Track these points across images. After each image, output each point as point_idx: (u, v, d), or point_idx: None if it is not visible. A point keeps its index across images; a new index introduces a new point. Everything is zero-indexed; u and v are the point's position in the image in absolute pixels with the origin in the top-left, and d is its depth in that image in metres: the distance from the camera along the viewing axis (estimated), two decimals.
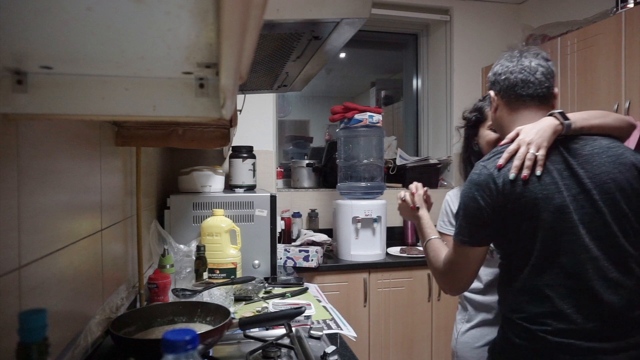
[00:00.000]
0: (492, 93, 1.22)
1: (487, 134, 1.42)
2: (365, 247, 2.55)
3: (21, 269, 0.70)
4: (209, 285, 1.51)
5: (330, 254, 2.66)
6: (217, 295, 1.48)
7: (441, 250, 1.28)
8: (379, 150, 2.69)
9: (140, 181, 1.48)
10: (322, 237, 2.52)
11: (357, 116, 2.55)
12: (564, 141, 1.10)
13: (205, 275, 1.69)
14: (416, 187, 1.48)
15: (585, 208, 1.04)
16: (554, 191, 1.04)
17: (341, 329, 1.39)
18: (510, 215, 1.06)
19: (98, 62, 0.49)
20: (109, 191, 1.21)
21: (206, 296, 1.45)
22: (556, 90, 1.17)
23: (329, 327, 1.40)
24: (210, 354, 1.11)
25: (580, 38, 2.41)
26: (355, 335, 1.40)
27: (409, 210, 1.47)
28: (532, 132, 1.08)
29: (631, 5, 2.17)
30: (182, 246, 1.79)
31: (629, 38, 2.13)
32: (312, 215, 2.93)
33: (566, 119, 1.09)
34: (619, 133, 1.15)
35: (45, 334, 0.56)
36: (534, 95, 1.14)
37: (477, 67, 3.21)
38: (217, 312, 1.14)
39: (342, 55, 3.68)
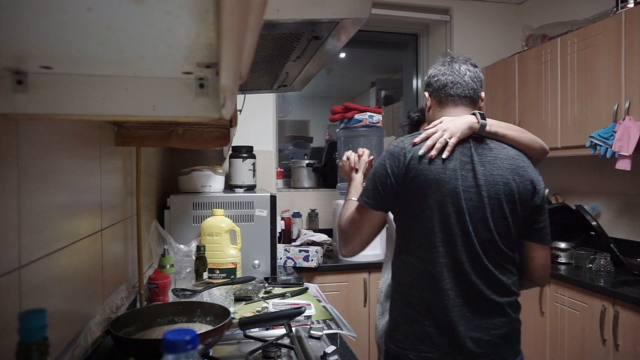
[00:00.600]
0: (426, 94, 1.35)
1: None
2: None
3: (21, 269, 0.70)
4: (209, 285, 1.51)
5: (330, 254, 2.66)
6: (217, 295, 1.48)
7: (353, 211, 1.33)
8: (379, 150, 2.69)
9: (140, 181, 1.48)
10: (322, 237, 2.52)
11: (357, 116, 2.55)
12: (477, 140, 1.21)
13: (205, 275, 1.69)
14: (363, 152, 1.53)
15: (472, 200, 1.15)
16: (451, 177, 1.15)
17: (341, 329, 1.39)
18: (407, 189, 1.17)
19: (98, 62, 0.49)
20: (109, 191, 1.21)
21: (206, 296, 1.45)
22: (483, 94, 1.31)
23: (329, 327, 1.40)
24: (210, 354, 1.11)
25: (580, 38, 2.41)
26: (355, 335, 1.40)
27: (348, 170, 1.52)
28: (451, 123, 1.20)
29: (631, 5, 2.17)
30: (182, 246, 1.79)
31: (629, 38, 2.13)
32: (312, 215, 2.93)
33: (484, 120, 1.20)
34: (530, 152, 1.25)
35: (45, 334, 0.56)
36: (461, 95, 1.27)
37: None
38: (217, 312, 1.14)
39: (342, 55, 3.68)
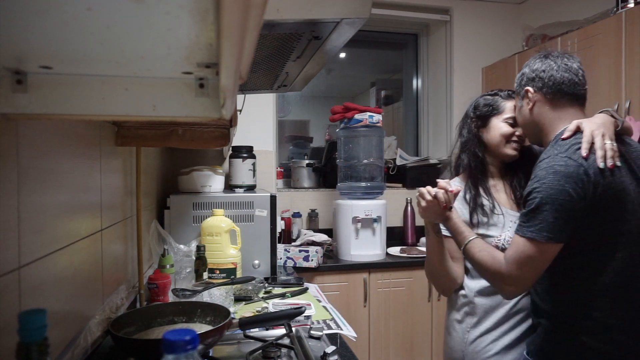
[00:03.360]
0: (531, 89, 1.23)
1: (501, 126, 1.39)
2: (365, 247, 2.55)
3: (21, 269, 0.70)
4: (209, 285, 1.51)
5: (330, 254, 2.66)
6: (217, 295, 1.48)
7: (492, 249, 1.23)
8: (379, 150, 2.69)
9: (140, 181, 1.48)
10: (322, 237, 2.52)
11: (357, 116, 2.55)
12: (616, 138, 1.14)
13: (205, 275, 1.69)
14: (447, 183, 1.29)
15: None
16: (630, 182, 1.10)
17: (341, 329, 1.39)
18: (597, 206, 1.07)
19: (98, 62, 0.49)
20: (109, 191, 1.21)
21: (206, 296, 1.45)
22: None
23: (329, 327, 1.40)
24: (210, 354, 1.11)
25: (580, 38, 2.41)
26: (355, 335, 1.40)
27: (437, 209, 1.29)
28: (598, 124, 1.12)
29: (631, 5, 2.17)
30: (182, 246, 1.78)
31: (629, 38, 2.13)
32: (312, 215, 2.93)
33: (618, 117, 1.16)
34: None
35: (45, 334, 0.56)
36: (578, 95, 1.21)
37: (477, 67, 3.21)
38: (217, 312, 1.14)
39: (342, 55, 3.68)
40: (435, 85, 3.44)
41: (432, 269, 1.41)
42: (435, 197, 1.28)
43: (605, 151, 1.08)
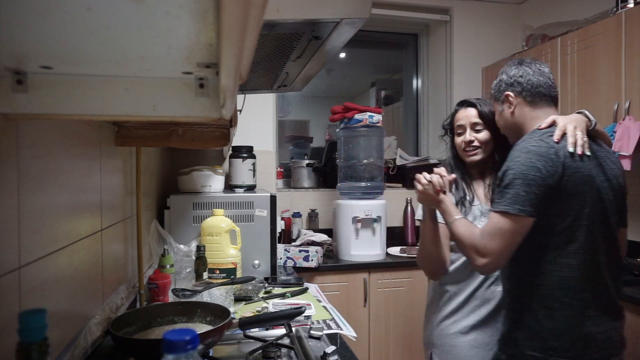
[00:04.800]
0: (511, 94, 1.33)
1: (455, 138, 1.56)
2: (365, 247, 2.55)
3: (21, 269, 0.70)
4: (209, 285, 1.50)
5: (330, 254, 2.65)
6: (217, 295, 1.48)
7: (473, 226, 1.29)
8: (379, 150, 2.69)
9: (140, 181, 1.48)
10: (322, 237, 2.52)
11: (357, 116, 2.55)
12: (589, 137, 1.23)
13: (205, 275, 1.69)
14: (441, 171, 1.41)
15: (608, 195, 1.20)
16: (597, 173, 1.18)
17: (341, 329, 1.39)
18: (563, 188, 1.15)
19: (98, 62, 0.49)
20: (109, 191, 1.21)
21: (206, 296, 1.45)
22: None
23: (329, 327, 1.40)
24: (210, 354, 1.11)
25: (580, 38, 2.41)
26: (355, 335, 1.40)
27: (431, 193, 1.38)
28: (571, 120, 1.22)
29: (631, 5, 2.17)
30: (182, 246, 1.78)
31: (629, 38, 2.13)
32: (312, 215, 2.93)
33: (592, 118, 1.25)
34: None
35: (45, 334, 0.56)
36: (552, 96, 1.32)
37: (477, 67, 3.21)
38: (217, 312, 1.14)
39: (342, 55, 3.68)
40: (435, 85, 3.44)
41: (425, 253, 1.50)
42: (430, 181, 1.37)
43: (575, 139, 1.17)
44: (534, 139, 1.20)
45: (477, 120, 1.51)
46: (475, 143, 1.50)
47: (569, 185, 1.14)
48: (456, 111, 1.58)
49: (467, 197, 1.51)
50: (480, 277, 1.47)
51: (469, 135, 1.51)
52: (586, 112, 1.27)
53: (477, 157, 1.51)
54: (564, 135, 1.18)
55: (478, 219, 1.46)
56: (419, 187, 1.40)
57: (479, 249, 1.21)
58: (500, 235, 1.17)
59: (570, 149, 1.15)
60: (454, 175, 1.42)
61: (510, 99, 1.33)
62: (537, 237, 1.18)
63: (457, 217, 1.32)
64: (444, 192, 1.37)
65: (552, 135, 1.18)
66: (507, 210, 1.15)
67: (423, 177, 1.39)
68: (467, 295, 1.48)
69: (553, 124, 1.23)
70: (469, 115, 1.53)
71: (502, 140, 1.47)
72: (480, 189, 1.55)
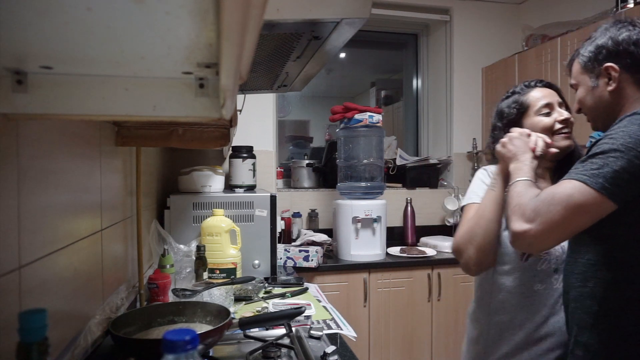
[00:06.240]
0: (615, 66, 1.02)
1: (537, 121, 1.24)
2: (365, 247, 2.55)
3: (21, 269, 0.70)
4: (209, 285, 1.50)
5: (330, 254, 2.66)
6: (217, 295, 1.48)
7: (535, 188, 1.02)
8: (379, 150, 2.69)
9: (140, 181, 1.48)
10: (322, 237, 2.52)
11: (357, 116, 2.55)
12: None
13: (205, 275, 1.69)
14: (547, 138, 1.17)
15: None
16: None
17: (341, 329, 1.39)
18: None
19: (98, 62, 0.49)
20: (109, 191, 1.21)
21: (206, 296, 1.45)
22: None
23: (329, 327, 1.40)
24: (210, 354, 1.11)
25: (580, 38, 2.41)
26: (355, 335, 1.40)
27: (523, 147, 1.14)
28: None
29: (631, 5, 2.17)
30: (182, 246, 1.78)
31: None
32: (312, 215, 2.93)
33: None
34: None
35: (45, 334, 0.56)
36: None
37: (477, 67, 3.21)
38: (217, 312, 1.14)
39: (342, 55, 3.68)
40: (435, 85, 3.44)
41: (478, 226, 1.18)
42: (528, 135, 1.16)
43: None
44: None
45: (561, 100, 1.26)
46: (572, 120, 1.22)
47: None
48: (529, 90, 1.28)
49: None
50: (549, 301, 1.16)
51: (564, 112, 1.22)
52: None
53: (568, 142, 1.23)
54: None
55: None
56: (515, 134, 1.17)
57: (526, 210, 0.95)
58: (563, 205, 0.90)
59: None
60: (556, 150, 1.17)
61: (613, 73, 1.02)
62: None
63: (526, 178, 1.06)
64: (534, 156, 1.13)
65: None
66: (586, 181, 0.89)
67: (521, 131, 1.17)
68: (529, 329, 1.18)
69: None
70: (552, 93, 1.26)
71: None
72: None
